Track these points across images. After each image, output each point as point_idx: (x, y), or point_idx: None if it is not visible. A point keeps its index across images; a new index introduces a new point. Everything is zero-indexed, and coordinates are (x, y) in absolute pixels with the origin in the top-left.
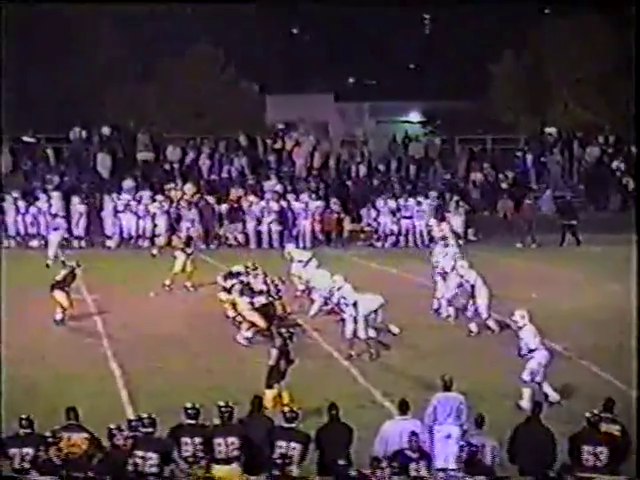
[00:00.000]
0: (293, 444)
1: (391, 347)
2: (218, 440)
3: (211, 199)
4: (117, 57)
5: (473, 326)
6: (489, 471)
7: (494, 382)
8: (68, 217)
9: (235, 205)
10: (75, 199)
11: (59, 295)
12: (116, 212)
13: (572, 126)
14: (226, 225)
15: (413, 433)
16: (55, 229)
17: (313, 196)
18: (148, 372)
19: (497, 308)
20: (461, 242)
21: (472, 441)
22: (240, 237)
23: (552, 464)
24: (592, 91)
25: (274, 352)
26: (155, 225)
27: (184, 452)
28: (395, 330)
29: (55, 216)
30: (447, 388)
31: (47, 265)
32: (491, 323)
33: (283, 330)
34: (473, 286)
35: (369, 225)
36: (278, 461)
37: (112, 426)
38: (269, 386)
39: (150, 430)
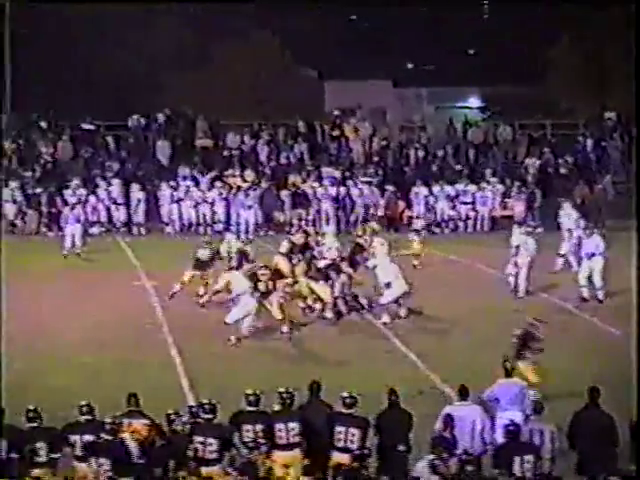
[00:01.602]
0: (352, 429)
1: (448, 333)
2: (279, 426)
3: (271, 186)
4: (176, 44)
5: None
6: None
7: (553, 370)
8: (128, 204)
9: (299, 191)
10: (134, 186)
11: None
12: (175, 199)
13: (632, 110)
14: (290, 211)
15: (448, 416)
16: (77, 221)
17: (372, 182)
18: (208, 358)
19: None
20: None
21: (530, 426)
22: (303, 223)
23: (614, 450)
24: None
25: None
26: (214, 212)
27: (245, 438)
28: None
29: (74, 206)
30: (509, 374)
31: (64, 256)
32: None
33: None
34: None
35: (429, 210)
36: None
37: (170, 411)
38: None
39: (210, 416)
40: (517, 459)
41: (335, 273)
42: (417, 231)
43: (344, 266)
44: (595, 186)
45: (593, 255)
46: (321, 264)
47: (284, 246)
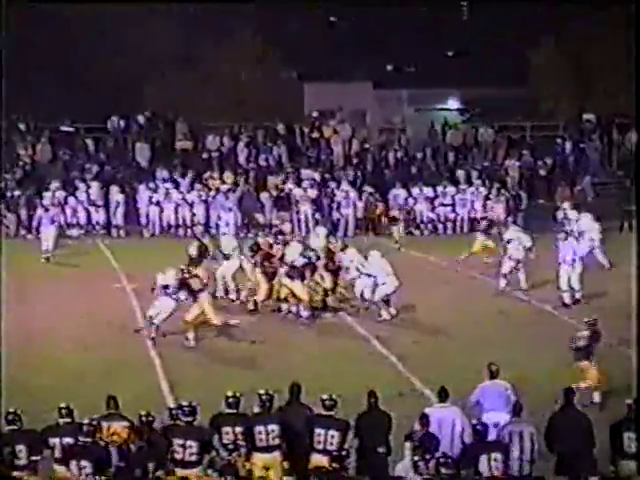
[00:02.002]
0: (332, 432)
1: (429, 335)
2: (259, 428)
3: (250, 188)
4: (156, 46)
5: None
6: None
7: (534, 371)
8: (107, 206)
9: (282, 194)
10: (114, 188)
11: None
12: (154, 202)
13: (611, 112)
14: (273, 213)
15: (424, 416)
16: (52, 222)
17: (350, 184)
18: (188, 361)
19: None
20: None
21: (509, 428)
22: (286, 226)
23: (590, 450)
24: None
25: None
26: (193, 214)
27: (225, 440)
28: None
29: (47, 209)
30: (494, 376)
31: (47, 259)
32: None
33: None
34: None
35: (408, 213)
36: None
37: (142, 413)
38: None
39: (190, 419)
40: (483, 458)
41: (310, 273)
42: (484, 231)
43: (320, 268)
44: (574, 188)
45: (573, 261)
46: (299, 262)
47: (247, 247)
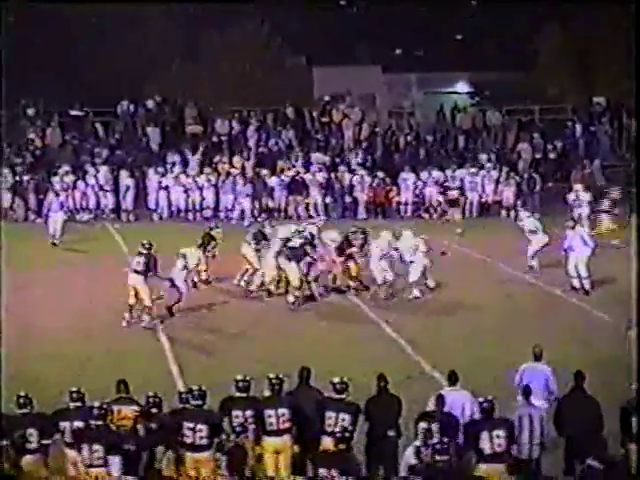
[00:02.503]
0: (342, 415)
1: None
2: (269, 412)
3: (263, 171)
4: (164, 31)
5: None
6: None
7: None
8: (116, 190)
9: (297, 177)
10: (123, 173)
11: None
12: (164, 186)
13: (621, 95)
14: (287, 197)
15: (440, 397)
16: (61, 207)
17: (360, 168)
18: (197, 345)
19: None
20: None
21: (520, 411)
22: (301, 209)
23: (599, 433)
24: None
25: None
26: (203, 198)
27: (235, 424)
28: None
29: (58, 193)
30: (537, 359)
31: (54, 244)
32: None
33: None
34: None
35: (417, 197)
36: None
37: (150, 394)
38: None
39: (200, 402)
40: (485, 434)
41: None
42: (607, 211)
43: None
44: (584, 171)
45: (578, 248)
46: (297, 242)
47: (251, 234)
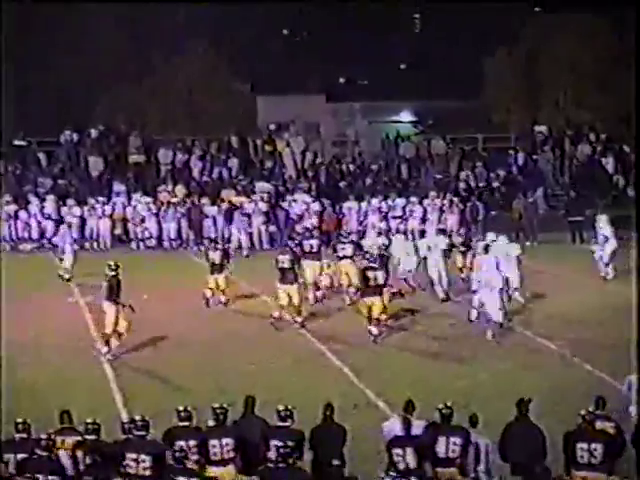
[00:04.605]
0: (288, 443)
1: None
2: (213, 442)
3: (203, 200)
4: (108, 59)
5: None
6: None
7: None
8: (60, 221)
9: (234, 207)
10: (70, 202)
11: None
12: (107, 214)
13: (564, 124)
14: (226, 227)
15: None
16: (74, 239)
17: (306, 196)
18: (141, 375)
19: None
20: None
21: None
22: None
23: (542, 460)
24: (585, 89)
25: None
26: (145, 228)
27: (178, 455)
28: None
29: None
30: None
31: (68, 280)
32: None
33: None
34: None
35: (360, 224)
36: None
37: (89, 420)
38: None
39: (143, 433)
40: (442, 439)
41: None
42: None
43: None
44: (526, 200)
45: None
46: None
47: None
